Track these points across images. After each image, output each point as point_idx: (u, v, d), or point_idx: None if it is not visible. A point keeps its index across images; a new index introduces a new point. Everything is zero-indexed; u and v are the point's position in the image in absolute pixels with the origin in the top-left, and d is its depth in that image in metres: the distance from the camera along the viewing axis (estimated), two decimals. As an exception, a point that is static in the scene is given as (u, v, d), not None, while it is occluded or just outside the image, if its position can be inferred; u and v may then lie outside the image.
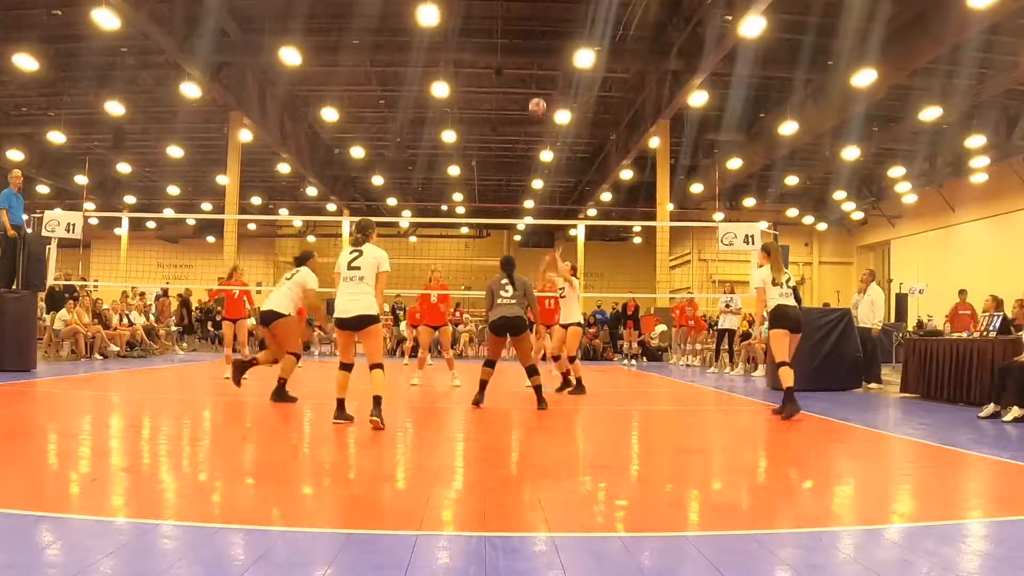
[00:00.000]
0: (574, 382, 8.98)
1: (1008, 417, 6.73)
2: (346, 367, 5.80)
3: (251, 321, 11.30)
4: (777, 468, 4.88)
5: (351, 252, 5.81)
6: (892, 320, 20.26)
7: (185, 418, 6.42)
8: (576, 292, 9.12)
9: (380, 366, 5.69)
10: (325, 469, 4.38)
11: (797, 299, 7.19)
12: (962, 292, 13.44)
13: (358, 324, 5.68)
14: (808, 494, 3.94)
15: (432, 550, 2.67)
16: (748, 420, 7.40)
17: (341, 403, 5.69)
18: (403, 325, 18.84)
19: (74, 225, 10.73)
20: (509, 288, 7.08)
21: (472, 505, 3.37)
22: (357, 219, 6.18)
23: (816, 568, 2.57)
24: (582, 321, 9.36)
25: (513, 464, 4.64)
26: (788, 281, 7.05)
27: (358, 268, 5.71)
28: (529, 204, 30.02)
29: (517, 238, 35.72)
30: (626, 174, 24.00)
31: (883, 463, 5.01)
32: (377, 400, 5.51)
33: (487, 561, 2.51)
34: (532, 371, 7.27)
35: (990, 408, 7.02)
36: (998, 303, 9.62)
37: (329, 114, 19.80)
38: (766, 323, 7.22)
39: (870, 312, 10.76)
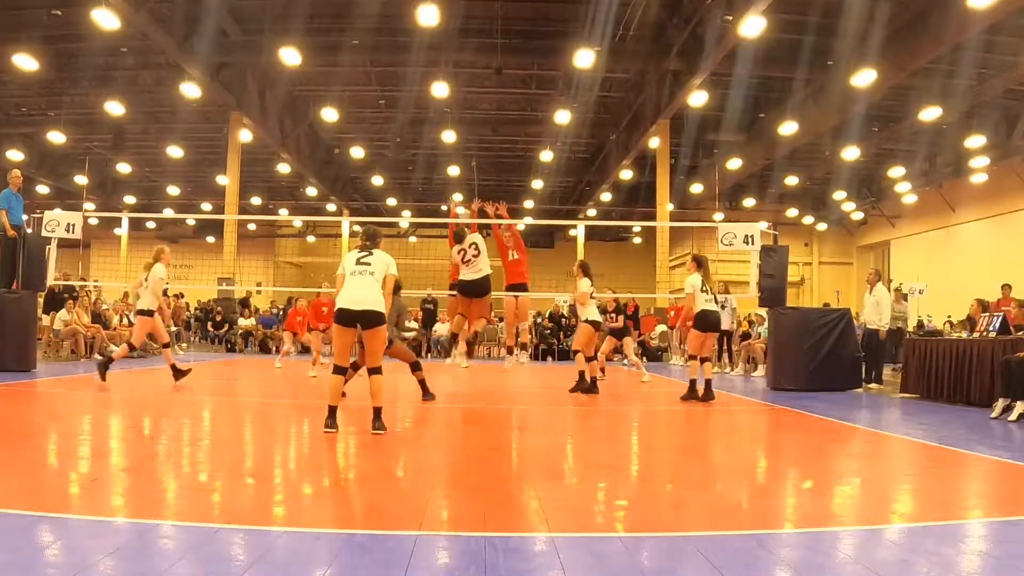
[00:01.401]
0: (587, 380, 8.88)
1: (1013, 416, 6.73)
2: (341, 371, 5.35)
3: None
4: (777, 468, 4.88)
5: (360, 252, 5.47)
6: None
7: (185, 418, 6.41)
8: (588, 297, 8.98)
9: (379, 371, 5.33)
10: (325, 469, 4.38)
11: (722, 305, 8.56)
12: (1005, 287, 12.71)
13: (365, 320, 5.20)
14: (808, 494, 3.94)
15: (432, 550, 2.67)
16: (748, 420, 7.41)
17: (333, 411, 5.23)
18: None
19: (74, 225, 10.72)
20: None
21: (472, 505, 3.37)
22: (364, 227, 5.81)
23: (816, 568, 2.57)
24: (594, 318, 9.13)
25: (513, 464, 4.64)
26: (713, 288, 8.27)
27: (368, 264, 5.33)
28: (529, 204, 30.01)
29: (517, 238, 35.67)
30: (626, 174, 23.99)
31: (883, 463, 5.01)
32: (377, 412, 5.26)
33: (487, 561, 2.51)
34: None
35: (1000, 405, 7.01)
36: (984, 306, 9.62)
37: (329, 114, 19.79)
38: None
39: (876, 313, 10.76)
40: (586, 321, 9.02)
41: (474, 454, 4.94)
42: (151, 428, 5.74)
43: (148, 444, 5.01)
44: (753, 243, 10.46)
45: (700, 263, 8.22)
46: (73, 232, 10.72)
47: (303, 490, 3.73)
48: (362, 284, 5.26)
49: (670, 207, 21.40)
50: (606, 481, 4.02)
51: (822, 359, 9.93)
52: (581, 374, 8.95)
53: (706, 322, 8.09)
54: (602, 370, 11.73)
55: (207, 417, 6.64)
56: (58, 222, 10.68)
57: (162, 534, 2.77)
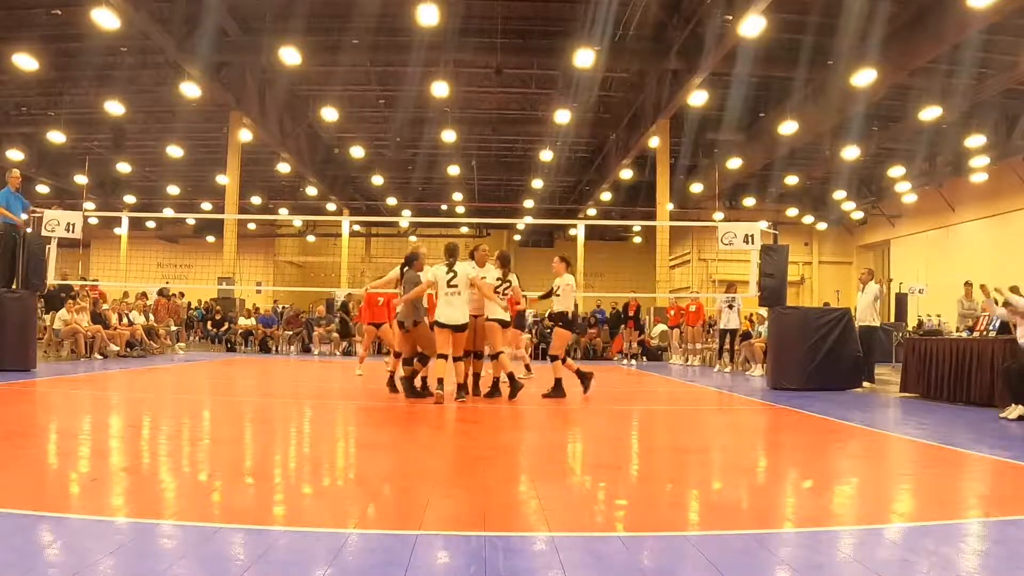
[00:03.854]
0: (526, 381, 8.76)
1: None
2: (444, 357, 7.19)
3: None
4: (777, 468, 4.87)
5: (447, 273, 7.21)
6: (892, 320, 20.26)
7: (185, 418, 6.41)
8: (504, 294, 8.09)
9: (471, 355, 7.60)
10: (325, 469, 4.38)
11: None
12: None
13: (457, 329, 7.19)
14: (808, 494, 3.94)
15: (432, 550, 2.67)
16: (748, 420, 7.41)
17: (440, 382, 7.06)
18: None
19: (74, 225, 10.71)
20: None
21: (472, 505, 3.37)
22: (446, 245, 7.47)
23: (816, 568, 2.57)
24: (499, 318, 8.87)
25: (513, 464, 4.64)
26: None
27: (455, 286, 7.19)
28: (529, 204, 30.01)
29: (517, 238, 35.73)
30: (626, 174, 24.00)
31: (883, 463, 5.01)
32: (463, 384, 7.32)
33: (487, 561, 2.51)
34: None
35: (1016, 410, 6.88)
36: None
37: (329, 114, 19.79)
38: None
39: (867, 311, 10.76)
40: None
41: (474, 454, 4.94)
42: (151, 428, 5.73)
43: (148, 444, 5.01)
44: (753, 242, 10.45)
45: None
46: (73, 232, 10.71)
47: (303, 490, 3.73)
48: (453, 303, 7.17)
49: (670, 206, 21.41)
50: (606, 481, 4.02)
51: (822, 358, 9.92)
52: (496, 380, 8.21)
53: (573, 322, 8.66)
54: (527, 367, 11.25)
55: (207, 416, 6.64)
56: (58, 221, 10.67)
57: (162, 534, 2.77)
